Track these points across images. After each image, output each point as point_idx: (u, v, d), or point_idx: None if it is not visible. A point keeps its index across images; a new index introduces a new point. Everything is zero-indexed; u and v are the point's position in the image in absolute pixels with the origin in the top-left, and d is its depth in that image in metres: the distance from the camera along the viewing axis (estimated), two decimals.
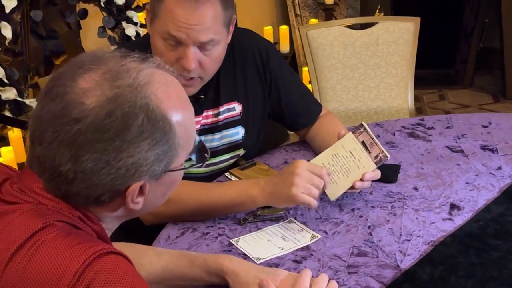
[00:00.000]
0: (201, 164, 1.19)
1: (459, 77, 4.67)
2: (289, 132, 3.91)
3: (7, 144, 3.11)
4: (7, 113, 2.86)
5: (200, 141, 1.17)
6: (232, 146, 1.96)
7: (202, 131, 1.90)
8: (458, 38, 4.67)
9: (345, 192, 1.74)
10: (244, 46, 1.91)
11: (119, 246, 1.40)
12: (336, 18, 4.54)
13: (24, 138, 3.16)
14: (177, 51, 1.70)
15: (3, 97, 2.84)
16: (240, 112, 1.94)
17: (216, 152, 1.94)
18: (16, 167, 3.05)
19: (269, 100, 1.99)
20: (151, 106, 1.00)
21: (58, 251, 0.96)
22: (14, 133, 3.12)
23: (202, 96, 1.88)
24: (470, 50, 4.54)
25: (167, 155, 1.04)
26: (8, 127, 3.02)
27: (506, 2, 4.24)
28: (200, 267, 1.38)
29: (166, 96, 1.03)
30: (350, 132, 1.74)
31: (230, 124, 1.93)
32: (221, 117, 1.91)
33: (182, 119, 1.06)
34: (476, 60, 4.58)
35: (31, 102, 2.91)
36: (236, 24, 1.84)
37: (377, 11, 4.50)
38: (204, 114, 1.90)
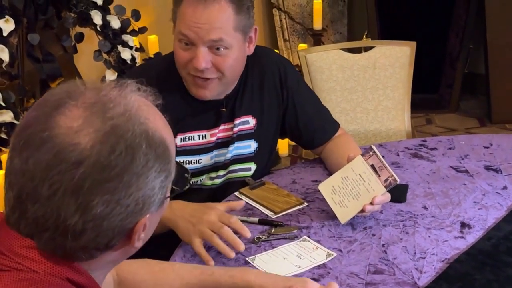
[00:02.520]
0: (187, 187, 1.16)
1: (445, 101, 4.73)
2: (281, 155, 3.97)
3: (1, 168, 3.09)
4: (3, 136, 2.85)
5: (177, 162, 1.09)
6: (243, 159, 1.99)
7: (218, 145, 1.94)
8: (444, 63, 4.74)
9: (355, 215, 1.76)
10: (263, 62, 1.96)
11: (135, 268, 1.40)
12: (324, 43, 4.59)
13: None
14: (190, 51, 1.78)
15: None
16: (254, 126, 1.97)
17: (227, 164, 1.97)
18: None
19: (286, 118, 2.03)
20: (150, 132, 0.95)
21: None
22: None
23: (224, 110, 1.92)
24: (455, 75, 4.61)
25: (167, 180, 0.99)
26: (4, 150, 3.00)
27: (491, 28, 4.32)
28: (227, 286, 1.37)
29: (156, 120, 0.98)
30: (360, 155, 1.76)
31: (243, 136, 1.97)
32: (235, 129, 1.95)
33: (170, 140, 1.01)
34: (461, 85, 4.64)
35: None
36: None
37: (364, 36, 4.56)
38: (222, 127, 1.94)
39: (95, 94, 0.95)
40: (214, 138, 1.93)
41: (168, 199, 1.05)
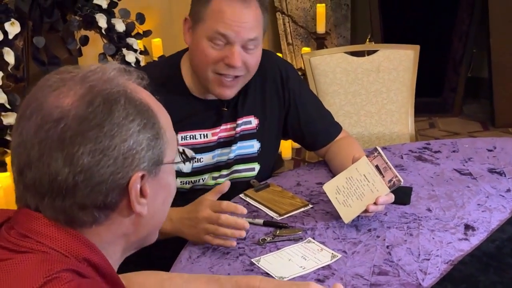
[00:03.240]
0: (189, 160, 1.18)
1: (448, 105, 4.74)
2: (284, 159, 3.97)
3: (6, 170, 3.10)
4: (9, 138, 2.86)
5: (183, 149, 1.16)
6: (246, 158, 2.01)
7: (220, 144, 1.96)
8: (447, 67, 4.75)
9: (359, 215, 1.76)
10: (265, 65, 1.97)
11: (143, 276, 1.41)
12: (327, 47, 4.61)
13: None
14: (223, 50, 1.80)
15: (4, 122, 2.84)
16: (256, 126, 2.00)
17: (230, 164, 1.99)
18: (14, 193, 3.03)
19: (288, 119, 2.05)
20: (128, 91, 1.00)
21: None
22: None
23: (225, 109, 1.95)
24: (458, 79, 4.62)
25: (158, 142, 1.02)
26: (9, 152, 3.02)
27: (494, 32, 4.33)
28: None
29: (139, 89, 1.04)
30: (364, 156, 1.78)
31: (245, 136, 1.99)
32: (238, 129, 1.97)
33: (161, 112, 1.05)
34: (464, 88, 4.65)
35: None
36: None
37: (367, 40, 4.57)
38: (223, 127, 1.96)
39: (79, 70, 1.02)
40: (215, 138, 1.95)
41: (170, 174, 1.08)
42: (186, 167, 1.91)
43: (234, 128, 1.97)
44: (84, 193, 0.97)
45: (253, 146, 2.00)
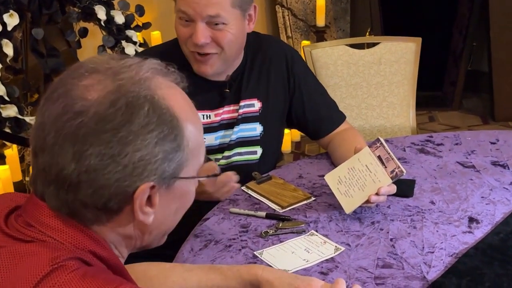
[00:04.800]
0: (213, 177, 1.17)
1: (448, 99, 4.73)
2: (283, 152, 3.96)
3: (5, 163, 3.08)
4: (8, 130, 2.84)
5: (208, 159, 1.12)
6: (248, 141, 2.01)
7: (222, 126, 1.98)
8: (447, 60, 4.73)
9: (360, 206, 1.75)
10: (272, 49, 2.00)
11: (146, 266, 1.40)
12: (326, 40, 4.58)
13: (22, 156, 3.13)
14: (189, 27, 1.83)
15: (3, 115, 2.82)
16: (259, 109, 2.00)
17: (232, 145, 1.99)
18: (12, 186, 3.02)
19: (293, 105, 2.05)
20: (156, 98, 0.96)
21: None
22: (11, 152, 3.09)
23: (227, 90, 1.96)
24: (458, 73, 4.60)
25: (177, 155, 0.98)
26: (8, 144, 3.00)
27: (494, 26, 4.32)
28: (235, 279, 1.37)
29: (170, 93, 1.00)
30: (367, 147, 1.76)
31: (248, 119, 1.99)
32: (240, 111, 1.98)
33: (191, 121, 1.01)
34: (464, 82, 4.64)
35: (31, 119, 2.89)
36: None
37: (367, 34, 4.55)
38: (226, 108, 1.97)
39: (115, 62, 1.00)
40: (218, 119, 1.96)
41: (186, 184, 1.03)
42: None
43: (237, 110, 1.98)
44: (86, 192, 0.95)
45: (256, 129, 2.01)
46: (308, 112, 2.06)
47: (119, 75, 0.97)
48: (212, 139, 1.96)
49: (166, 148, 0.96)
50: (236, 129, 1.98)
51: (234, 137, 1.99)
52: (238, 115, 1.98)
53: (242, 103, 1.98)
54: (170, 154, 0.97)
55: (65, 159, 0.93)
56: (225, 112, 1.97)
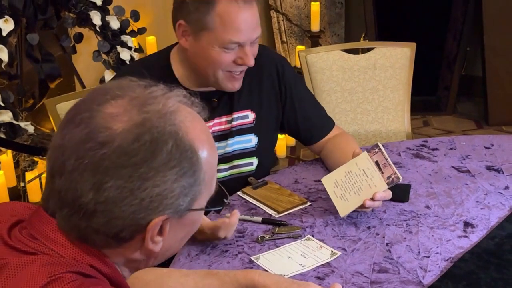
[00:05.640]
0: (220, 208, 1.15)
1: (442, 103, 4.74)
2: (279, 157, 3.96)
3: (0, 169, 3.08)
4: (2, 136, 2.84)
5: (219, 185, 1.10)
6: (245, 153, 2.00)
7: (214, 138, 1.91)
8: (441, 65, 4.75)
9: (356, 211, 1.76)
10: (261, 59, 1.97)
11: (143, 271, 1.39)
12: (321, 45, 4.59)
13: (16, 162, 3.13)
14: (233, 52, 1.81)
15: None
16: (253, 120, 2.00)
17: (228, 158, 1.99)
18: (6, 191, 3.01)
19: (285, 113, 2.05)
20: (180, 134, 0.96)
21: None
22: (5, 157, 3.08)
23: (215, 100, 1.94)
24: (452, 78, 4.62)
25: (192, 189, 0.98)
26: (2, 150, 2.99)
27: (488, 30, 4.34)
28: (231, 283, 1.38)
29: (193, 127, 0.99)
30: (365, 151, 1.77)
31: (243, 131, 1.99)
32: (234, 123, 1.97)
33: (208, 153, 1.01)
34: (458, 87, 4.65)
35: (26, 125, 2.90)
36: None
37: (362, 38, 4.57)
38: (217, 120, 1.96)
39: (142, 91, 0.99)
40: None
41: (198, 213, 1.04)
42: None
43: (229, 122, 1.97)
44: (100, 221, 0.95)
45: (251, 140, 2.00)
46: (300, 120, 2.07)
47: (145, 107, 0.96)
48: None
49: (184, 184, 0.97)
50: (231, 141, 1.97)
51: (229, 149, 1.98)
52: (232, 127, 1.97)
53: (235, 115, 1.97)
54: (187, 189, 0.98)
55: (83, 187, 0.93)
56: (215, 124, 1.96)
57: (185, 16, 1.80)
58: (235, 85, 1.89)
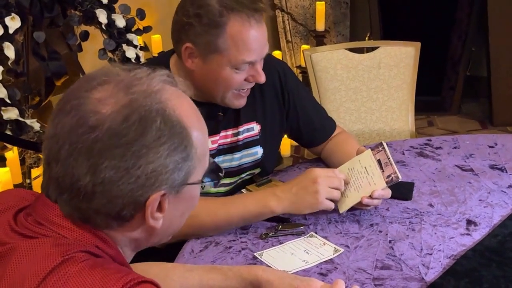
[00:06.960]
0: (216, 181, 1.18)
1: (446, 104, 4.75)
2: (283, 156, 3.97)
3: (6, 165, 3.09)
4: (8, 133, 2.85)
5: (213, 162, 1.14)
6: (251, 166, 1.99)
7: (221, 151, 1.93)
8: (446, 65, 4.75)
9: (356, 208, 1.77)
10: (263, 65, 1.94)
11: (147, 265, 1.42)
12: (326, 45, 4.60)
13: (22, 159, 3.14)
14: (243, 72, 1.77)
15: (4, 117, 2.83)
16: (259, 132, 1.97)
17: (236, 172, 1.97)
18: (12, 188, 3.03)
19: (288, 119, 2.03)
20: (167, 111, 0.99)
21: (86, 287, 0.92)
22: (11, 154, 3.10)
23: (221, 114, 1.90)
24: (457, 78, 4.62)
25: (186, 164, 1.02)
26: (8, 147, 3.01)
27: (493, 31, 4.34)
28: (235, 278, 1.39)
29: (180, 104, 1.03)
30: (369, 149, 1.78)
31: (249, 143, 1.96)
32: (240, 136, 1.94)
33: (197, 128, 1.04)
34: (463, 87, 4.66)
35: (32, 122, 2.91)
36: None
37: (367, 38, 4.57)
38: (222, 133, 1.92)
39: (126, 74, 1.02)
40: (215, 145, 1.90)
41: (194, 189, 1.07)
42: None
43: (236, 135, 1.94)
44: (100, 202, 0.98)
45: (257, 152, 1.98)
46: (303, 125, 2.05)
47: (131, 88, 0.99)
48: None
49: (177, 159, 1.00)
50: (238, 155, 1.95)
51: (235, 163, 1.96)
52: (238, 140, 1.94)
53: (241, 128, 1.94)
54: (180, 164, 1.01)
55: (80, 171, 0.97)
56: (221, 138, 1.92)
57: (193, 38, 1.74)
58: (241, 103, 1.85)
